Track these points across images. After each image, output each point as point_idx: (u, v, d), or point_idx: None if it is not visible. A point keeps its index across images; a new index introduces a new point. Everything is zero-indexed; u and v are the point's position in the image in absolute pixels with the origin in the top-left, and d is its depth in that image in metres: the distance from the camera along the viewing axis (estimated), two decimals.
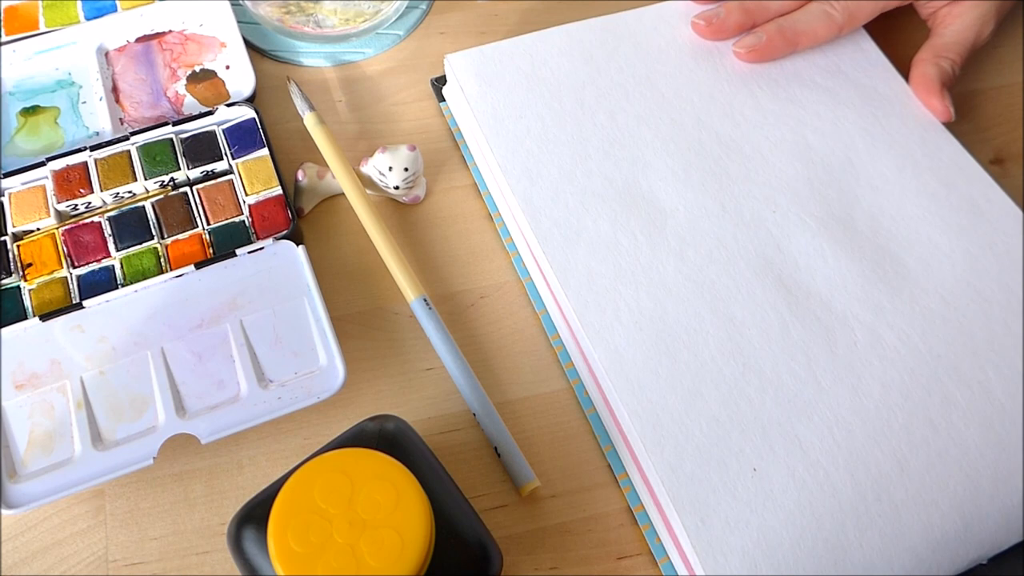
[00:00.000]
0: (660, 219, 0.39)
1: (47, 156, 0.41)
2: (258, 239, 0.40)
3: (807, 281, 0.38)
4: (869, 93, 0.44)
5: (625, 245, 0.38)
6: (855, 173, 0.41)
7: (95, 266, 0.39)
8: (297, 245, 0.39)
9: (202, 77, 0.46)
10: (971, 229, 0.40)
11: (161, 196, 0.41)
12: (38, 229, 0.41)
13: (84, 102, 0.45)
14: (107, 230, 0.40)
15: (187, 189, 0.42)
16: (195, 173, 0.42)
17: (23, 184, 0.41)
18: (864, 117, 0.43)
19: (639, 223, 0.39)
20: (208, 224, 0.41)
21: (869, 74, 0.45)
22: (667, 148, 0.42)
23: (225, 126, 0.43)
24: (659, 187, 0.40)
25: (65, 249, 0.40)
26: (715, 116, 0.43)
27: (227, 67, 0.46)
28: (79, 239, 0.40)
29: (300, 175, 0.42)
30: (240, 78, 0.46)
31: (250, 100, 0.44)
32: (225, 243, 0.40)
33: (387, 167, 0.41)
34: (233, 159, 0.42)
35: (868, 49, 0.46)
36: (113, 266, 0.39)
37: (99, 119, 0.44)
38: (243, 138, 0.43)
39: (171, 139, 0.42)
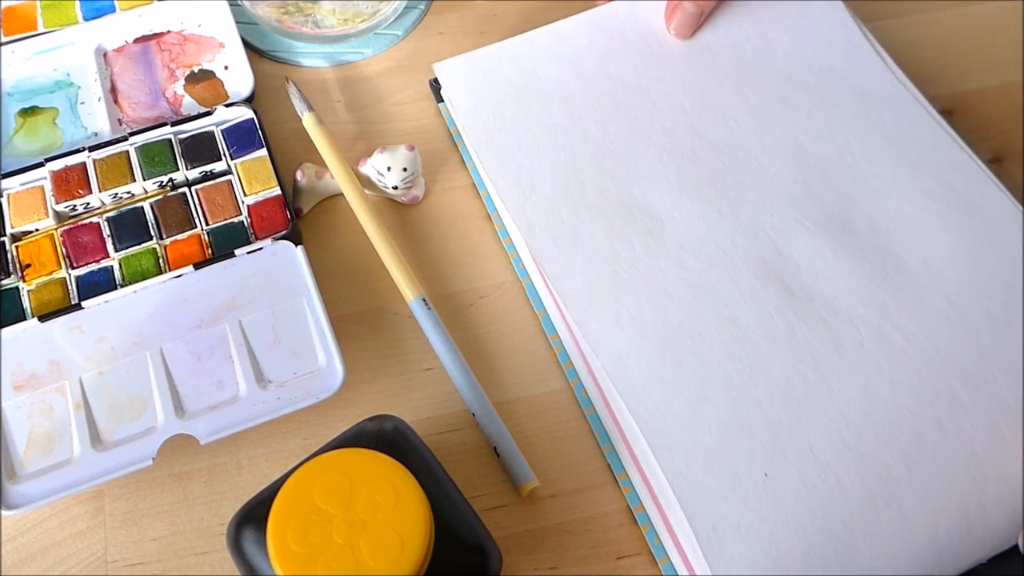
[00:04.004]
0: (657, 228, 0.39)
1: (46, 157, 0.41)
2: (257, 239, 0.40)
3: (809, 283, 0.38)
4: (862, 92, 0.43)
5: (622, 255, 0.38)
6: (851, 174, 0.41)
7: (94, 267, 0.39)
8: (296, 245, 0.39)
9: (200, 77, 0.46)
10: (970, 227, 0.39)
11: (160, 197, 0.41)
12: (37, 230, 0.41)
13: (83, 103, 0.45)
14: (106, 231, 0.40)
15: (186, 190, 0.42)
16: (194, 173, 0.42)
17: (22, 185, 0.41)
18: (858, 117, 0.43)
19: (635, 233, 0.39)
20: (207, 224, 0.41)
21: (861, 72, 0.44)
22: (660, 158, 0.41)
23: (224, 126, 0.43)
24: (654, 196, 0.40)
25: (64, 250, 0.40)
26: (707, 122, 0.42)
27: (225, 67, 0.46)
28: (78, 240, 0.40)
29: (299, 175, 0.42)
30: (239, 78, 0.46)
31: (249, 100, 0.44)
32: (224, 243, 0.40)
33: (386, 167, 0.41)
34: (232, 159, 0.42)
35: (859, 46, 0.45)
36: (112, 267, 0.39)
37: (97, 120, 0.44)
38: (242, 138, 0.43)
39: (169, 140, 0.42)
